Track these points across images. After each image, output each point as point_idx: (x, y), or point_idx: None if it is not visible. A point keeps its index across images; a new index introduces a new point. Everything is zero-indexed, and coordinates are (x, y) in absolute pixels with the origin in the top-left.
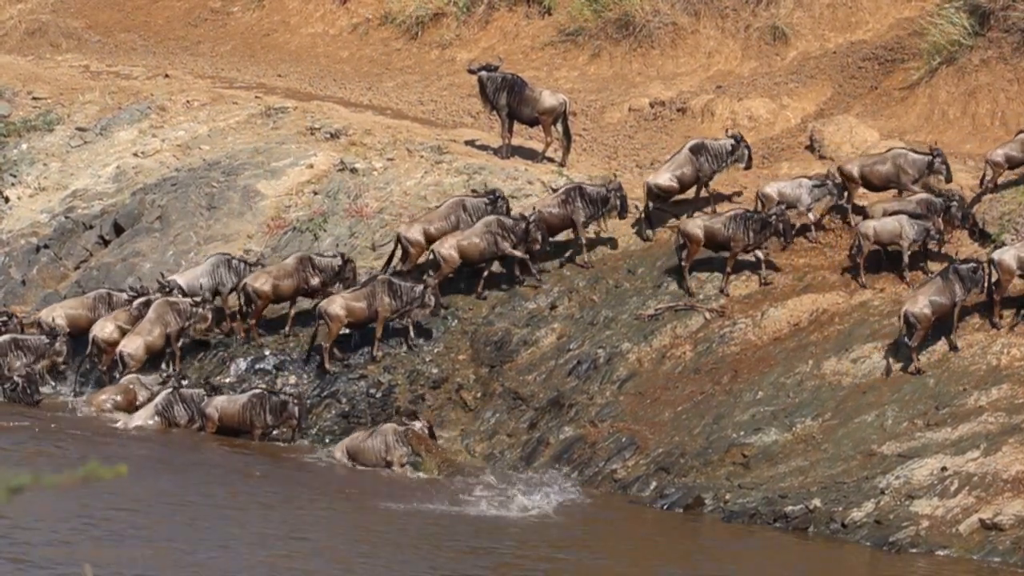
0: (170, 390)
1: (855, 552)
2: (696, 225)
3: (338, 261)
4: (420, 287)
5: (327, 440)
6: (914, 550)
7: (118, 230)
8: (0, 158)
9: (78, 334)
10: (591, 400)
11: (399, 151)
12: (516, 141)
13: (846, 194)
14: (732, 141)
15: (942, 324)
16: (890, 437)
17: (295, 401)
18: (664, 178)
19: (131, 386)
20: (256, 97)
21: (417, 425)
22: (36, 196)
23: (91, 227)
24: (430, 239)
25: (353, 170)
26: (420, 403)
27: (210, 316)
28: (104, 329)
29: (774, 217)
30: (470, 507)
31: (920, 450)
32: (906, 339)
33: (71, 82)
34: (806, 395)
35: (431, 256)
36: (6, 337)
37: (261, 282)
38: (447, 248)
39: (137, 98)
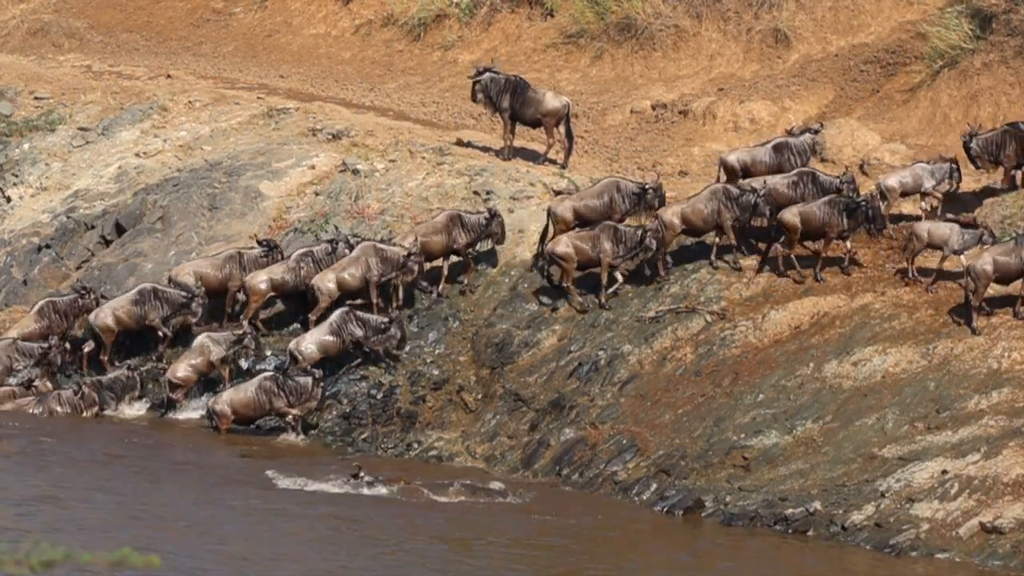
0: (346, 309)
1: (855, 555)
2: (792, 213)
3: (485, 216)
4: (640, 230)
5: (328, 440)
6: (914, 553)
7: (120, 230)
8: (2, 158)
9: (211, 294)
10: (592, 402)
11: (401, 152)
12: (518, 143)
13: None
14: (812, 136)
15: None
16: (891, 440)
17: (315, 381)
18: (733, 156)
19: (204, 346)
20: (258, 98)
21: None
22: (38, 196)
23: (93, 227)
24: (579, 215)
25: (355, 171)
26: (421, 404)
27: (416, 270)
28: (256, 279)
29: (864, 203)
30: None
31: (921, 453)
32: (970, 295)
33: (73, 82)
34: (807, 398)
35: (655, 220)
36: (147, 286)
37: (410, 241)
38: (669, 214)
39: (139, 98)
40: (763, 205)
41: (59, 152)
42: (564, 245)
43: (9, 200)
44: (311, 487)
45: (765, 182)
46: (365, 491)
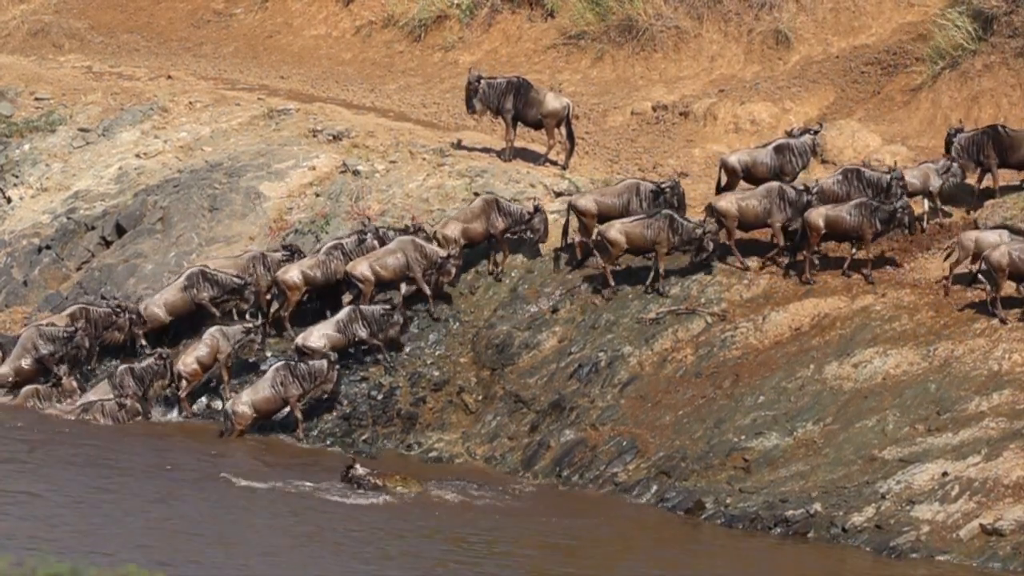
0: (353, 308)
1: (855, 557)
2: (819, 214)
3: (529, 210)
4: (700, 229)
5: (328, 442)
6: (914, 555)
7: (120, 231)
8: (2, 158)
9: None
10: (592, 403)
11: (401, 153)
12: (518, 144)
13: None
14: (812, 136)
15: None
16: (891, 442)
17: (330, 364)
18: (733, 158)
19: (213, 339)
20: (259, 99)
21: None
22: (38, 196)
23: (93, 228)
24: (601, 210)
25: (355, 172)
26: (421, 405)
27: (453, 271)
28: (288, 273)
29: (900, 208)
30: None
31: (921, 455)
32: (987, 287)
33: (74, 83)
34: (807, 399)
35: (708, 210)
36: (195, 269)
37: (450, 229)
38: (724, 203)
39: (140, 99)
40: (817, 204)
41: (59, 153)
42: (616, 231)
43: (9, 201)
44: (307, 486)
45: (817, 180)
46: (360, 490)
